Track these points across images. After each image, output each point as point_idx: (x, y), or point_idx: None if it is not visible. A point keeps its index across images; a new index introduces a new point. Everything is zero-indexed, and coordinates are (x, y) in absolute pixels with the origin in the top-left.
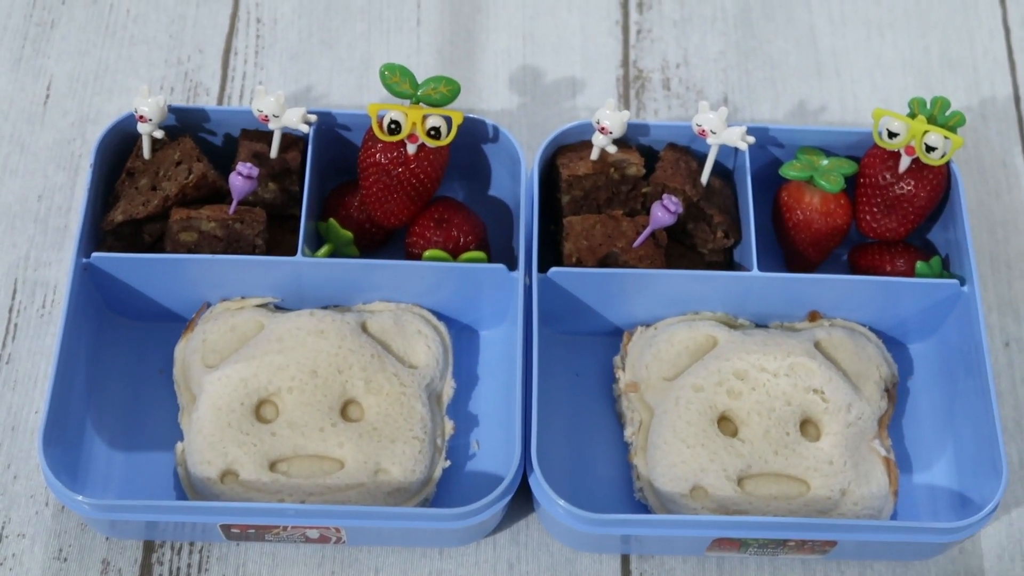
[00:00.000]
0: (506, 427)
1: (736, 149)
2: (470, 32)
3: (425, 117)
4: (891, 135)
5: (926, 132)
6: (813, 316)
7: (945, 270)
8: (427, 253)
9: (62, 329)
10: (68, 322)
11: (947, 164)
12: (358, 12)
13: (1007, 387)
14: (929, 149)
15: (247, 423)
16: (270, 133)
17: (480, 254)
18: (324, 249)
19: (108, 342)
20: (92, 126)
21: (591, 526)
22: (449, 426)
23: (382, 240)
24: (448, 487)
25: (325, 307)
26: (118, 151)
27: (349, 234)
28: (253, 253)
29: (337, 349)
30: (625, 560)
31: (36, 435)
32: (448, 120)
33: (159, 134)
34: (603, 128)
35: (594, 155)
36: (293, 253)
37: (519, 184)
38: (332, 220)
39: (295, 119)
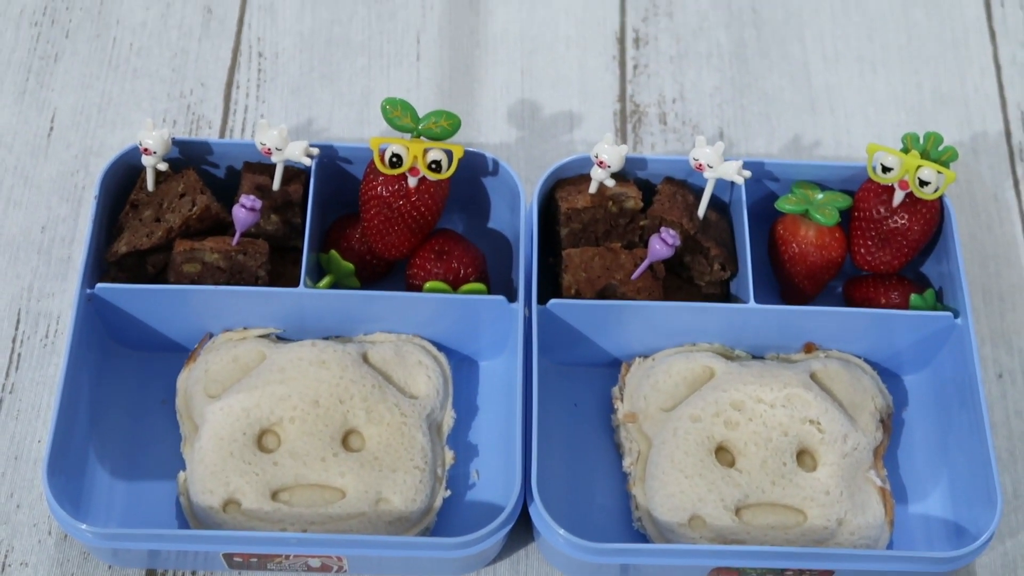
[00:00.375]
0: (506, 457)
1: (732, 183)
2: (469, 67)
3: (426, 151)
4: (885, 170)
5: (919, 167)
6: (809, 348)
7: (939, 302)
8: (428, 285)
9: (66, 359)
10: (72, 352)
11: (940, 198)
12: (358, 47)
13: (1000, 418)
14: (922, 183)
15: (249, 453)
16: (272, 166)
17: (480, 286)
18: (325, 280)
19: (111, 372)
20: (95, 158)
21: (590, 555)
22: (449, 456)
23: (383, 272)
24: (448, 516)
25: (327, 338)
26: (122, 183)
27: (350, 266)
28: (255, 284)
29: (339, 379)
30: None
31: (40, 464)
32: (449, 154)
33: (163, 166)
34: (601, 162)
35: (592, 188)
36: (295, 284)
37: (518, 217)
38: (333, 252)
39: (297, 152)
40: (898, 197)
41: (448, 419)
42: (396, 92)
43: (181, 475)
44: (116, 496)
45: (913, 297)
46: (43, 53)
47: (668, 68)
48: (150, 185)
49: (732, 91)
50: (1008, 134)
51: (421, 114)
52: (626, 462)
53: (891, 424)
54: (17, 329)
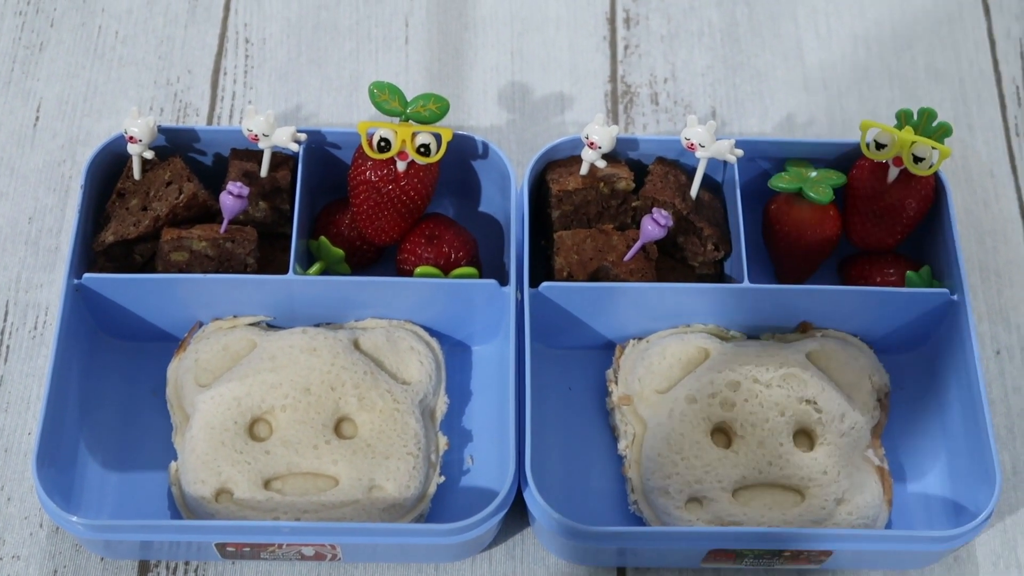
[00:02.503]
0: (500, 442)
1: (725, 162)
2: (458, 50)
3: (414, 134)
4: (879, 146)
5: (913, 143)
6: (804, 327)
7: (935, 279)
8: (418, 270)
9: (54, 350)
10: (60, 343)
11: (935, 174)
12: (346, 31)
13: (999, 395)
14: (917, 160)
15: (241, 442)
16: (260, 152)
17: (471, 270)
18: (315, 267)
19: (100, 363)
20: (82, 147)
21: (586, 539)
22: (443, 442)
23: (373, 257)
24: (443, 503)
25: (317, 325)
26: (108, 172)
27: (340, 252)
28: (244, 272)
29: (330, 366)
30: (621, 573)
31: (30, 456)
32: (438, 137)
33: (149, 155)
34: (592, 143)
35: (584, 170)
36: (284, 271)
37: (509, 200)
38: (323, 238)
39: (285, 138)
40: (892, 174)
41: (441, 405)
42: (385, 76)
43: (173, 465)
44: (107, 487)
45: (909, 274)
46: (28, 43)
47: (659, 48)
48: (136, 174)
49: (724, 70)
50: (1003, 109)
51: (410, 97)
52: (621, 445)
53: (888, 403)
54: (5, 321)
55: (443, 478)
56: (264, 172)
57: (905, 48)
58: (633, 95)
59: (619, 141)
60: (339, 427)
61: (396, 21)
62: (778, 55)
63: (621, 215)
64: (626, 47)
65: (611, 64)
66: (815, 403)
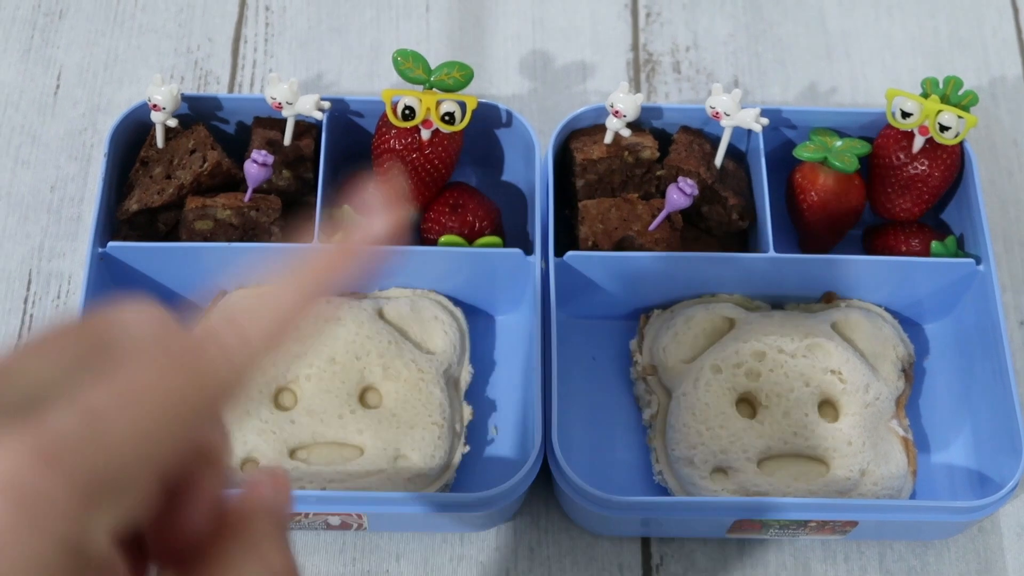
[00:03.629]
0: (524, 412)
1: (749, 131)
2: (479, 18)
3: (439, 103)
4: (904, 115)
5: (939, 112)
6: (829, 297)
7: (960, 249)
8: (442, 239)
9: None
10: (85, 312)
11: (960, 144)
12: None
13: (1023, 365)
14: (943, 129)
15: (266, 411)
16: (283, 120)
17: (495, 239)
18: (340, 236)
19: None
20: (103, 116)
21: (611, 509)
22: (468, 411)
23: None
24: (468, 473)
25: (341, 294)
26: (131, 140)
27: None
28: (269, 240)
29: (354, 336)
30: (645, 543)
31: None
32: (462, 105)
33: (173, 123)
34: (617, 112)
35: (608, 139)
36: (309, 240)
37: (533, 169)
38: (347, 207)
39: (308, 106)
40: (918, 143)
41: (466, 374)
42: (406, 44)
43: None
44: None
45: (934, 244)
46: (48, 10)
47: (681, 16)
48: (160, 142)
49: (746, 38)
50: None
51: (432, 66)
52: (646, 415)
53: (913, 373)
54: (28, 290)
55: (468, 448)
56: (288, 140)
57: (928, 16)
58: (655, 64)
59: (643, 110)
60: (364, 396)
61: None
62: (800, 23)
63: (646, 184)
64: (648, 15)
65: (633, 32)
66: (840, 373)
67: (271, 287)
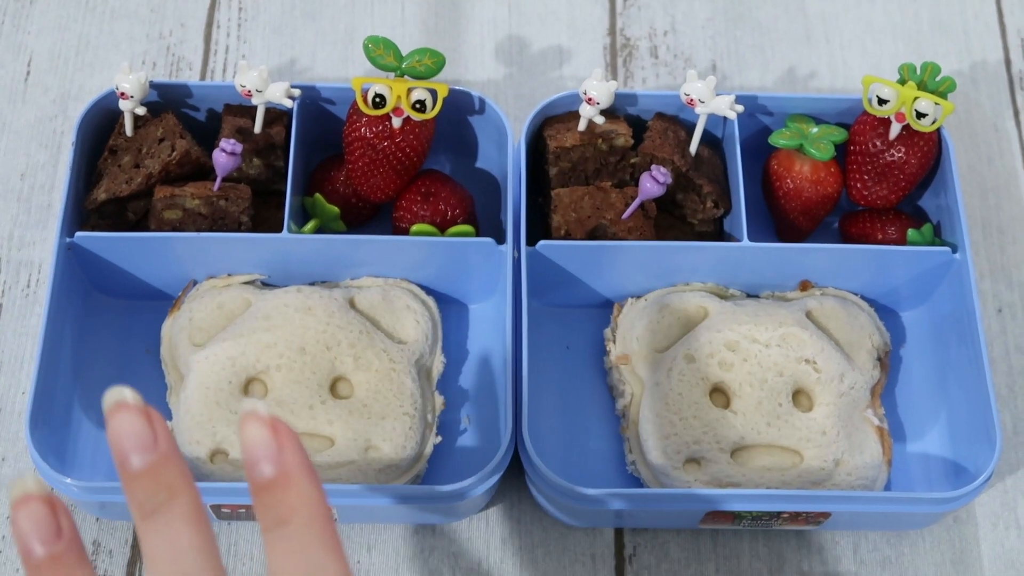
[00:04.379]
0: (496, 401)
1: (725, 118)
2: (455, 2)
3: (410, 90)
4: (881, 102)
5: (916, 98)
6: (804, 285)
7: (937, 237)
8: (414, 228)
9: (47, 309)
10: (53, 302)
11: (938, 131)
12: None
13: (1000, 353)
14: (919, 115)
15: (235, 402)
16: (254, 108)
17: (468, 228)
18: (310, 225)
19: (94, 322)
20: (74, 102)
21: (583, 502)
22: (439, 402)
23: (369, 215)
24: (439, 463)
25: (312, 283)
26: (100, 128)
27: (335, 209)
28: (239, 230)
29: (325, 326)
30: (619, 533)
31: (23, 417)
32: (433, 93)
33: (141, 111)
34: (590, 99)
35: (581, 126)
36: (279, 229)
37: (506, 156)
38: (318, 195)
39: (278, 94)
40: (895, 130)
41: (438, 364)
42: (380, 29)
43: (168, 425)
44: (101, 448)
45: (911, 232)
46: None
47: (659, 0)
48: (128, 130)
49: (725, 22)
50: (1008, 63)
51: (405, 52)
52: (619, 405)
53: (888, 362)
54: None
55: (440, 438)
56: (258, 128)
57: (909, 0)
58: (632, 48)
59: (618, 96)
60: (335, 387)
61: None
62: (779, 7)
63: (619, 172)
64: None
65: (610, 17)
66: (814, 363)
67: None
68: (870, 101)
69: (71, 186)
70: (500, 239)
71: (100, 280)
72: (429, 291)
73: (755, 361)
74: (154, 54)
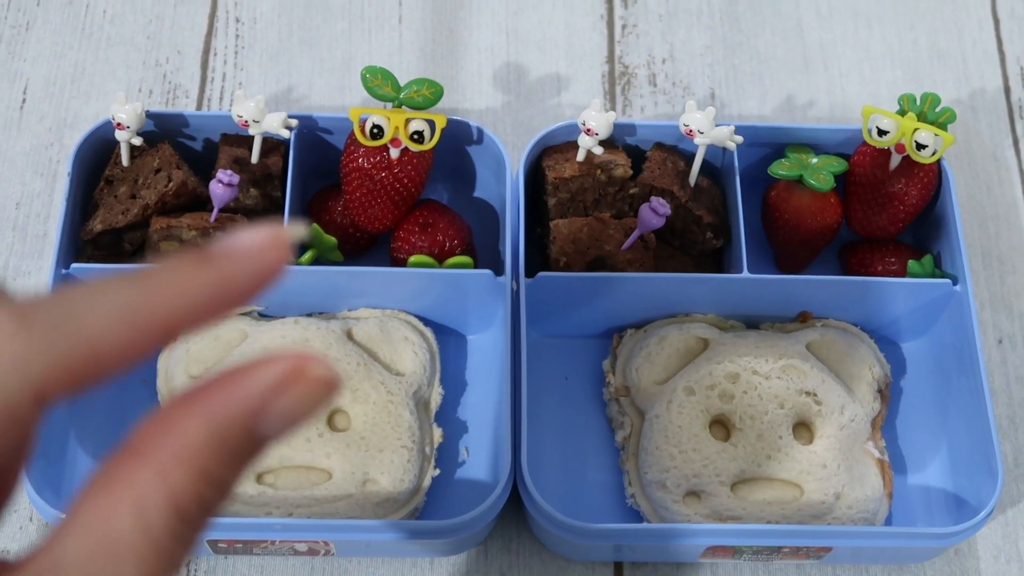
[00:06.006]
0: (495, 433)
1: (724, 148)
2: (453, 29)
3: (408, 121)
4: (881, 133)
5: (916, 130)
6: (804, 317)
7: (937, 268)
8: (412, 259)
9: None
10: None
11: (938, 162)
12: (338, 11)
13: (1001, 385)
14: (920, 147)
15: None
16: (250, 138)
17: (466, 259)
18: (308, 255)
19: None
20: (70, 130)
21: (582, 536)
22: (438, 434)
23: (366, 245)
24: (438, 496)
25: (310, 314)
26: (96, 157)
27: (333, 240)
28: None
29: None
30: (618, 567)
31: None
32: (431, 124)
33: (137, 141)
34: (589, 130)
35: (580, 156)
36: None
37: (504, 186)
38: (315, 225)
39: (275, 124)
40: (895, 161)
41: (436, 396)
42: (378, 57)
43: None
44: None
45: (911, 263)
46: (14, 22)
47: (657, 27)
48: (125, 160)
49: (723, 50)
50: (1007, 91)
51: (403, 81)
52: (618, 437)
53: (889, 394)
54: None
55: (438, 471)
56: (255, 158)
57: (907, 28)
58: (631, 76)
59: (616, 126)
60: (332, 419)
61: (389, 0)
62: (778, 34)
63: (619, 202)
64: (624, 26)
65: (608, 44)
66: (815, 395)
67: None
68: (870, 132)
69: (67, 216)
70: (499, 269)
71: None
72: (427, 322)
73: (756, 393)
74: (150, 82)
